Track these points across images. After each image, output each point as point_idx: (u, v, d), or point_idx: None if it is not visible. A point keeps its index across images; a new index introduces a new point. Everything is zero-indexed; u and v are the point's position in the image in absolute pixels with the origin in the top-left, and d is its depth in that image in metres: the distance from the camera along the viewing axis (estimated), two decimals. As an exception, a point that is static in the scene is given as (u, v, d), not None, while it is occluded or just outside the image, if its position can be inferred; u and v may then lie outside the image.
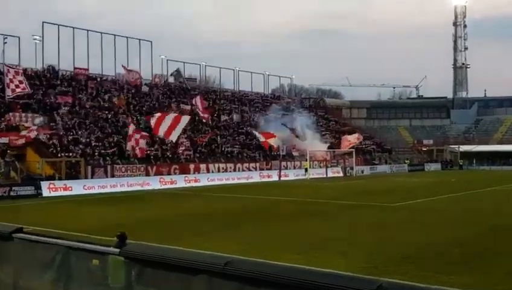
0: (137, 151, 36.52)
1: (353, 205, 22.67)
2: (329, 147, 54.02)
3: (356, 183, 38.24)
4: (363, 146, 62.40)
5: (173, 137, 37.50)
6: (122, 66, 53.16)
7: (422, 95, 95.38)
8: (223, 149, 46.12)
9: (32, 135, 33.87)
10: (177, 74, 62.17)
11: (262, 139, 47.15)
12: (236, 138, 50.73)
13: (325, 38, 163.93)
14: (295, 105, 65.15)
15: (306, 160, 46.10)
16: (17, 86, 38.20)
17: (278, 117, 55.05)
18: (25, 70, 44.92)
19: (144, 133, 37.18)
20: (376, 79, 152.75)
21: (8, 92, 37.80)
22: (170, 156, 40.52)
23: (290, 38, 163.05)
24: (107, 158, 36.45)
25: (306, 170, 45.36)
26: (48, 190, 29.27)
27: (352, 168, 50.90)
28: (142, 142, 36.55)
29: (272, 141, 46.68)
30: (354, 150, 51.83)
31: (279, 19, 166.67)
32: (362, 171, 52.54)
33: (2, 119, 36.05)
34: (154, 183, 34.62)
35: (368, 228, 15.79)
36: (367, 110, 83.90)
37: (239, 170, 43.52)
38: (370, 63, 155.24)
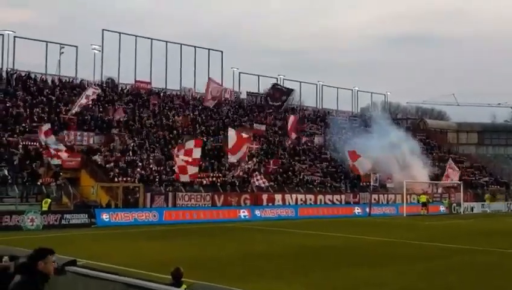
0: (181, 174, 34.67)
1: (463, 249, 21.83)
2: (431, 179, 52.82)
3: (465, 223, 37.27)
4: (473, 179, 60.14)
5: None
6: (210, 78, 52.82)
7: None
8: (301, 177, 45.98)
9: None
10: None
11: (351, 163, 46.83)
12: (318, 165, 50.44)
13: (427, 44, 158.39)
14: (390, 127, 64.04)
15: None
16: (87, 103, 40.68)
17: (367, 141, 54.18)
18: (81, 82, 47.40)
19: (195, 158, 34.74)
20: (490, 97, 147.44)
21: (76, 108, 39.94)
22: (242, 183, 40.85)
23: (382, 45, 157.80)
24: (169, 184, 37.28)
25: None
26: (102, 218, 30.34)
27: (459, 205, 49.66)
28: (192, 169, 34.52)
29: (358, 163, 46.31)
30: (461, 182, 50.29)
31: (365, 19, 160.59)
32: (472, 209, 51.11)
33: (57, 137, 37.72)
34: (220, 214, 35.89)
35: (480, 279, 15.05)
36: (478, 135, 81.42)
37: (320, 202, 43.22)
38: (483, 77, 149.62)
